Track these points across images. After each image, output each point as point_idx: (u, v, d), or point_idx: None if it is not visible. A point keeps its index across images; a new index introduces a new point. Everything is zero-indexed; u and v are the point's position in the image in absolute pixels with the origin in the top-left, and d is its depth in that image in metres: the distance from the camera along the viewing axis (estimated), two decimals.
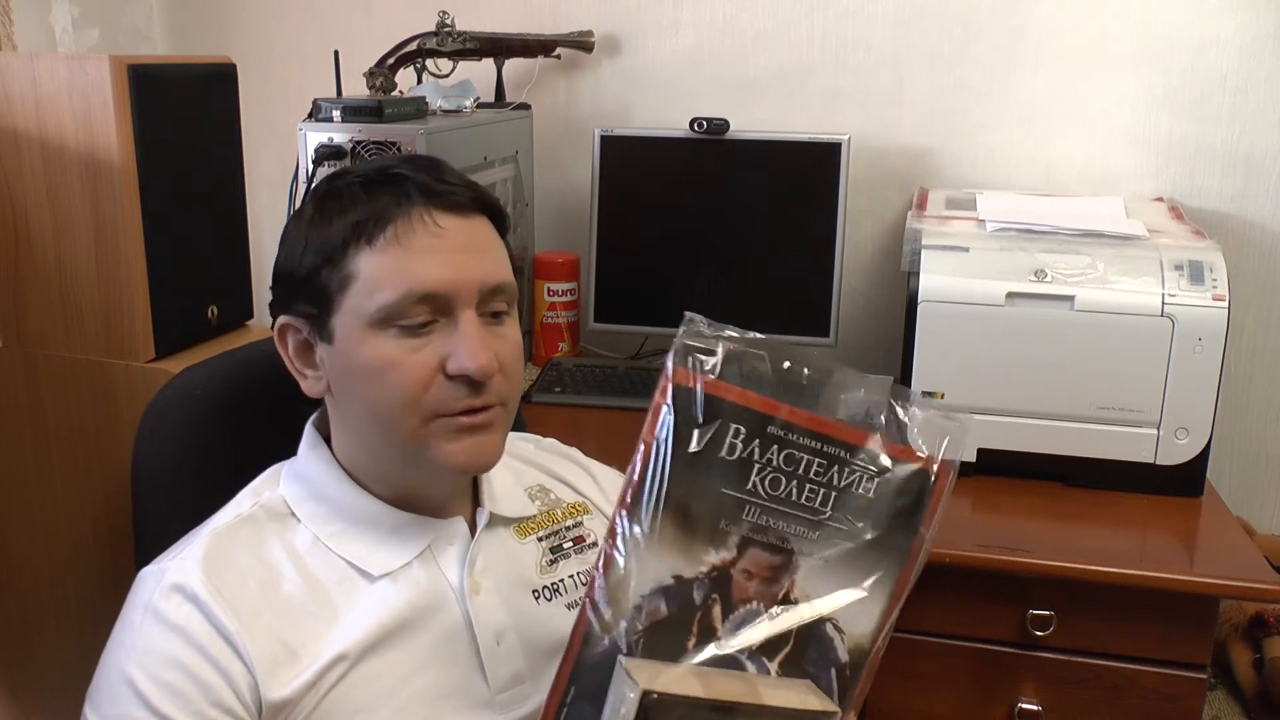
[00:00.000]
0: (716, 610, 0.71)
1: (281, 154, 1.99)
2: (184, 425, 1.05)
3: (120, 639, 0.83)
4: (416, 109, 1.65)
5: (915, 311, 1.49)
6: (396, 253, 0.84)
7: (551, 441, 1.11)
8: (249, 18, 2.16)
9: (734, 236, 1.85)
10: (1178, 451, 1.47)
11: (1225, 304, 1.42)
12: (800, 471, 0.71)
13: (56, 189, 1.44)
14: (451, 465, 0.86)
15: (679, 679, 0.68)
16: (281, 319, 0.91)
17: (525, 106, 1.96)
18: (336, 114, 1.53)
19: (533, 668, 0.90)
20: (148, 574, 0.86)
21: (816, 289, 1.81)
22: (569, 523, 1.01)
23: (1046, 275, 1.48)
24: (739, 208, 1.84)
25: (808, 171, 1.80)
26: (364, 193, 0.86)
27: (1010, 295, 1.47)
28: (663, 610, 0.70)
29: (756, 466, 0.70)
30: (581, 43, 1.97)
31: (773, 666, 0.72)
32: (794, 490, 0.71)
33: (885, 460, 0.72)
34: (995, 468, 1.52)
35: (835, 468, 0.71)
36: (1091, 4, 1.79)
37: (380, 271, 0.84)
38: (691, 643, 0.70)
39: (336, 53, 1.68)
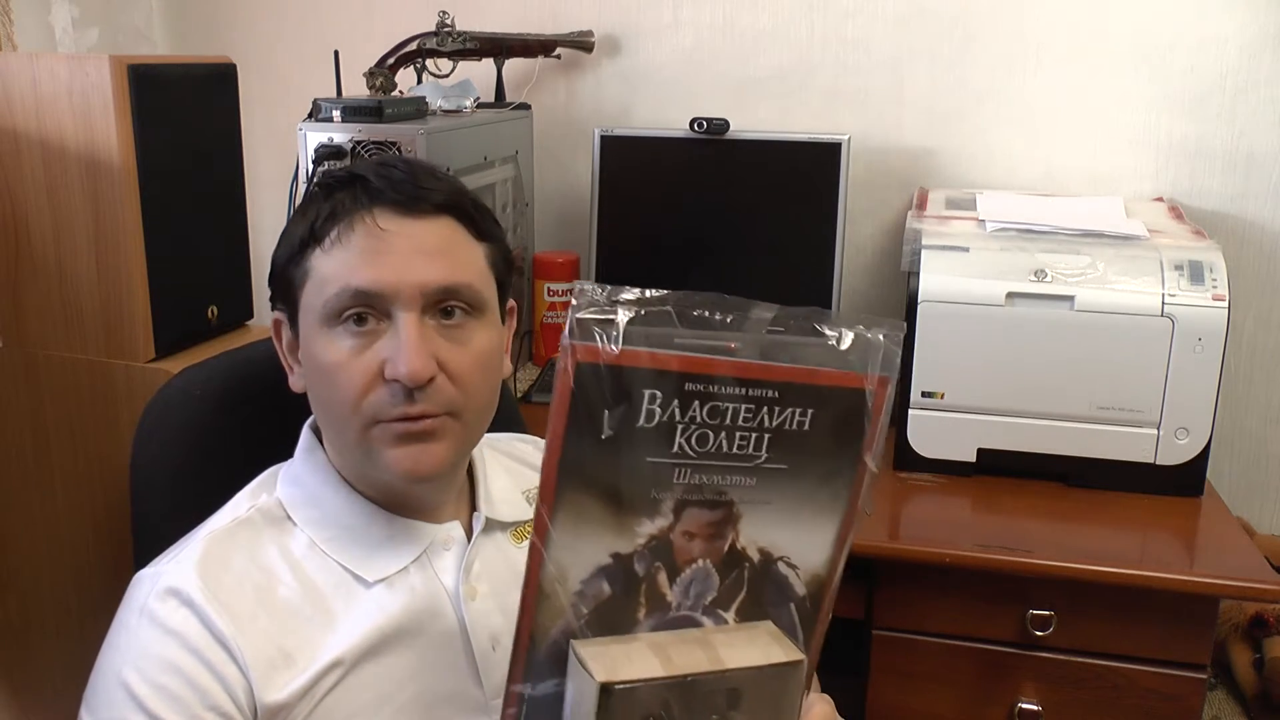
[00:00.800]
0: (662, 577, 0.69)
1: (281, 154, 1.99)
2: (183, 426, 1.05)
3: (115, 642, 0.83)
4: (416, 109, 1.64)
5: (915, 311, 1.49)
6: (338, 252, 0.85)
7: None
8: (249, 18, 2.16)
9: (734, 237, 1.85)
10: (1178, 451, 1.47)
11: (1225, 304, 1.42)
12: (728, 422, 0.67)
13: (56, 189, 1.44)
14: (394, 472, 0.85)
15: (637, 659, 0.66)
16: (274, 313, 0.93)
17: (525, 106, 1.95)
18: (336, 114, 1.53)
19: None
20: (143, 577, 0.86)
21: (816, 289, 1.81)
22: None
23: (1046, 275, 1.47)
24: (739, 208, 1.84)
25: (808, 172, 1.80)
26: (323, 194, 0.88)
27: (1010, 295, 1.47)
28: (606, 590, 0.68)
29: (680, 427, 0.66)
30: (581, 43, 1.97)
31: (729, 616, 0.71)
32: (724, 442, 0.67)
33: (817, 389, 0.68)
34: (995, 468, 1.52)
35: (764, 409, 0.67)
36: (1092, 4, 1.79)
37: (326, 270, 0.85)
38: (642, 614, 0.69)
39: (336, 53, 1.68)
